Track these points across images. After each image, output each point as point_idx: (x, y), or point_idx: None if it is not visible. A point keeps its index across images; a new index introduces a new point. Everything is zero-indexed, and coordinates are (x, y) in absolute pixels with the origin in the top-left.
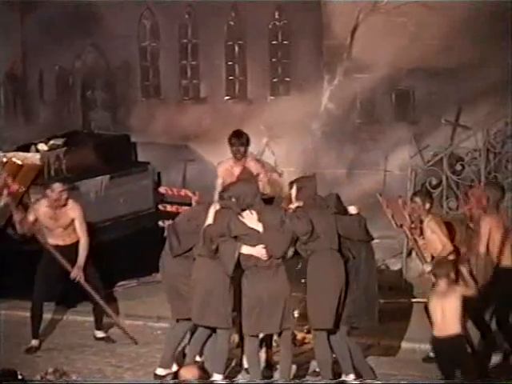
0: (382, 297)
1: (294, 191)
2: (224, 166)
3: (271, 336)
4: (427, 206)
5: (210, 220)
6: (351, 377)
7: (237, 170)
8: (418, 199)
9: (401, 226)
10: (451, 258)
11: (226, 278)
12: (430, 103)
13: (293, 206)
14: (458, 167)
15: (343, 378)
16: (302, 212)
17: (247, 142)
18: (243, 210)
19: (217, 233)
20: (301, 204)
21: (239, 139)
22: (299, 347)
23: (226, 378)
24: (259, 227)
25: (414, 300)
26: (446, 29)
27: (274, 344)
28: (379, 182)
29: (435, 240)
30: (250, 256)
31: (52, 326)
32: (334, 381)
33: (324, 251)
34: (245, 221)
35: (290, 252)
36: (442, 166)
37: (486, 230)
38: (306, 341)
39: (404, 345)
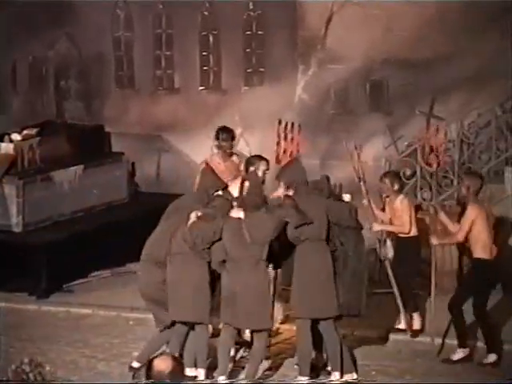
0: None
1: (282, 180)
2: (212, 163)
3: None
4: (396, 186)
5: (193, 219)
6: (336, 375)
7: (225, 166)
8: (387, 180)
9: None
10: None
11: (206, 274)
12: (404, 94)
13: (278, 193)
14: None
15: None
16: (294, 202)
17: (234, 137)
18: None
19: (210, 235)
20: (291, 192)
21: (229, 134)
22: (273, 337)
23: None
24: (241, 214)
25: (385, 290)
26: (419, 21)
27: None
28: (353, 173)
29: (400, 217)
30: (232, 249)
31: (25, 317)
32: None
33: (312, 241)
34: (232, 214)
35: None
36: (416, 157)
37: (469, 218)
38: (280, 331)
39: (379, 334)
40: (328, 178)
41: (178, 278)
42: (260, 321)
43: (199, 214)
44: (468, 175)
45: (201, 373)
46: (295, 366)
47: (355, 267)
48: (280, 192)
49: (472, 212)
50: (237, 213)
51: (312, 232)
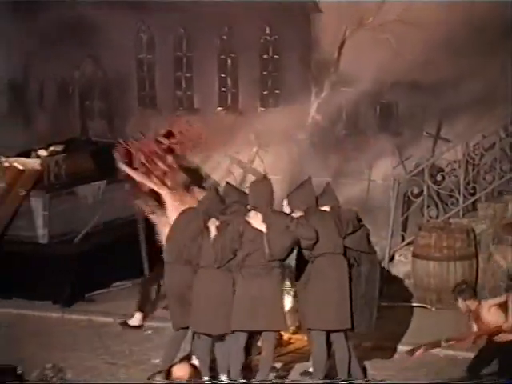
0: None
1: (285, 204)
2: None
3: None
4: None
5: (213, 232)
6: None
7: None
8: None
9: None
10: None
11: (231, 287)
12: (412, 116)
13: (295, 215)
14: (439, 177)
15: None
16: (305, 220)
17: None
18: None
19: (232, 245)
20: (301, 214)
21: None
22: (285, 347)
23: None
24: (263, 228)
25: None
26: (427, 45)
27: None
28: (363, 191)
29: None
30: (248, 255)
31: (49, 324)
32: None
33: (328, 255)
34: (251, 220)
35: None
36: (424, 176)
37: None
38: (292, 341)
39: (385, 346)
40: (357, 214)
41: (204, 291)
42: (274, 323)
43: (217, 223)
44: None
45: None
46: (299, 374)
47: (367, 290)
48: (297, 214)
49: None
50: (257, 221)
51: (327, 246)
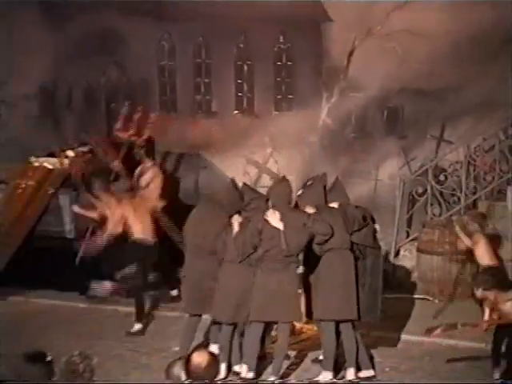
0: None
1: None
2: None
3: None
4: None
5: (236, 228)
6: (351, 371)
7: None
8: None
9: None
10: None
11: (251, 279)
12: (417, 120)
13: (309, 210)
14: (442, 177)
15: (342, 371)
16: (320, 216)
17: None
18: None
19: (252, 240)
20: (314, 210)
21: None
22: (297, 336)
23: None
24: (280, 226)
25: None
26: (431, 54)
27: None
28: (370, 190)
29: None
30: (267, 251)
31: (76, 314)
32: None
33: (336, 250)
34: (269, 219)
35: (300, 269)
36: (427, 176)
37: None
38: (304, 330)
39: (391, 335)
40: (366, 211)
41: (227, 283)
42: (290, 314)
43: (240, 220)
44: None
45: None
46: (311, 361)
47: (372, 282)
48: (309, 210)
49: None
50: (275, 219)
51: (336, 242)
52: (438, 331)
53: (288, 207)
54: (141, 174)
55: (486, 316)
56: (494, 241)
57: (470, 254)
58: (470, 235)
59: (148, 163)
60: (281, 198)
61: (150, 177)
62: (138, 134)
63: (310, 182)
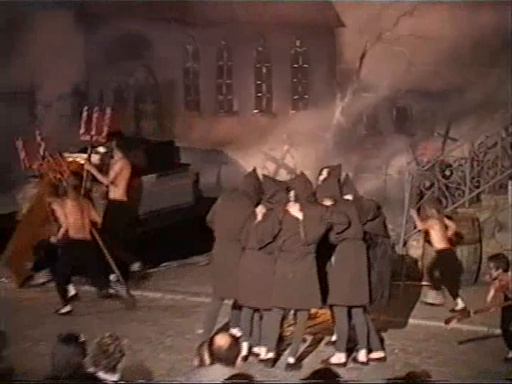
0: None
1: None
2: None
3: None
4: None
5: (259, 218)
6: (362, 352)
7: None
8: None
9: None
10: None
11: (272, 266)
12: (425, 119)
13: (327, 203)
14: (448, 172)
15: (354, 353)
16: (337, 208)
17: None
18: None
19: (272, 230)
20: (331, 202)
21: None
22: (312, 320)
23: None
24: (300, 216)
25: (404, 283)
26: (437, 57)
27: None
28: (381, 184)
29: None
30: (286, 240)
31: (101, 299)
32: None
33: (349, 240)
34: (290, 209)
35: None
36: (434, 171)
37: None
38: (318, 315)
39: (400, 319)
40: (378, 205)
41: (249, 269)
42: (309, 301)
43: (263, 211)
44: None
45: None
46: (325, 344)
47: (381, 270)
48: (327, 202)
49: None
50: (295, 210)
51: (350, 233)
52: (455, 321)
53: (308, 200)
54: (111, 167)
55: (489, 297)
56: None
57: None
58: (426, 219)
59: (116, 156)
60: (301, 192)
61: (119, 169)
62: (98, 132)
63: (324, 174)
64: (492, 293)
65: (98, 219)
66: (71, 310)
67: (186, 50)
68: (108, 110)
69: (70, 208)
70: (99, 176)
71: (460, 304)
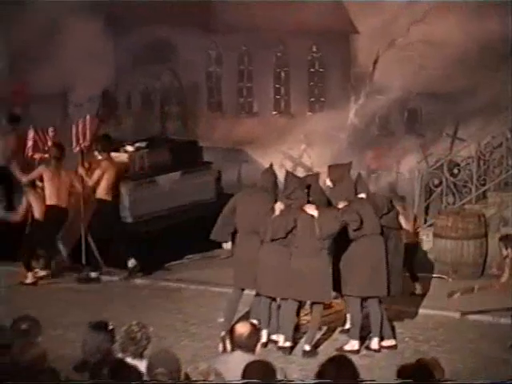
0: None
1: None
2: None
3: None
4: None
5: (277, 213)
6: (375, 340)
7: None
8: None
9: None
10: None
11: (288, 259)
12: (434, 120)
13: (341, 205)
14: (455, 171)
15: (367, 340)
16: (350, 208)
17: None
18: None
19: (286, 227)
20: (345, 204)
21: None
22: (327, 310)
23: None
24: (315, 213)
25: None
26: (445, 61)
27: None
28: (392, 182)
29: None
30: (301, 236)
31: (132, 288)
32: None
33: (368, 236)
34: (306, 208)
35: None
36: (443, 170)
37: None
38: (333, 305)
39: (410, 309)
40: (390, 200)
41: (266, 262)
42: (321, 295)
43: (282, 207)
44: None
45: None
46: (341, 332)
47: (393, 262)
48: (341, 205)
49: None
50: (311, 209)
51: (368, 228)
52: (458, 294)
53: (322, 203)
54: (95, 168)
55: (504, 278)
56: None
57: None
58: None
59: (101, 157)
60: (316, 195)
61: (102, 169)
62: (84, 139)
63: (334, 174)
64: (507, 272)
65: (80, 189)
66: (36, 282)
67: (209, 55)
68: (88, 117)
69: (50, 176)
70: (86, 179)
71: (418, 289)
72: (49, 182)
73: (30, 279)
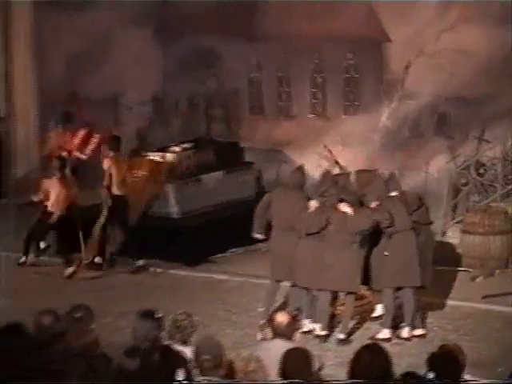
0: None
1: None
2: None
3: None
4: None
5: (311, 210)
6: (406, 329)
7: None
8: None
9: None
10: None
11: (322, 253)
12: (462, 123)
13: (373, 205)
14: (482, 171)
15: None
16: (380, 207)
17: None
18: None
19: (319, 223)
20: (377, 203)
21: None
22: (360, 300)
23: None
24: (349, 211)
25: (444, 268)
26: (473, 69)
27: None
28: (422, 181)
29: None
30: (335, 232)
31: (179, 280)
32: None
33: (402, 232)
34: (340, 207)
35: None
36: (470, 170)
37: None
38: (365, 296)
39: (439, 300)
40: (419, 197)
41: (303, 255)
42: (349, 285)
43: (317, 204)
44: None
45: (317, 327)
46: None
47: (423, 256)
48: (373, 204)
49: None
50: (344, 207)
51: (401, 225)
52: (481, 278)
53: (354, 201)
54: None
55: None
56: None
57: None
58: None
59: (109, 155)
60: (348, 193)
61: (107, 166)
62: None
63: (361, 179)
64: None
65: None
66: (25, 262)
67: (250, 62)
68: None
69: (53, 185)
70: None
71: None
72: (51, 191)
73: (71, 269)
